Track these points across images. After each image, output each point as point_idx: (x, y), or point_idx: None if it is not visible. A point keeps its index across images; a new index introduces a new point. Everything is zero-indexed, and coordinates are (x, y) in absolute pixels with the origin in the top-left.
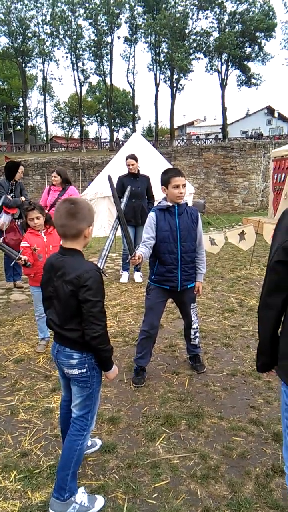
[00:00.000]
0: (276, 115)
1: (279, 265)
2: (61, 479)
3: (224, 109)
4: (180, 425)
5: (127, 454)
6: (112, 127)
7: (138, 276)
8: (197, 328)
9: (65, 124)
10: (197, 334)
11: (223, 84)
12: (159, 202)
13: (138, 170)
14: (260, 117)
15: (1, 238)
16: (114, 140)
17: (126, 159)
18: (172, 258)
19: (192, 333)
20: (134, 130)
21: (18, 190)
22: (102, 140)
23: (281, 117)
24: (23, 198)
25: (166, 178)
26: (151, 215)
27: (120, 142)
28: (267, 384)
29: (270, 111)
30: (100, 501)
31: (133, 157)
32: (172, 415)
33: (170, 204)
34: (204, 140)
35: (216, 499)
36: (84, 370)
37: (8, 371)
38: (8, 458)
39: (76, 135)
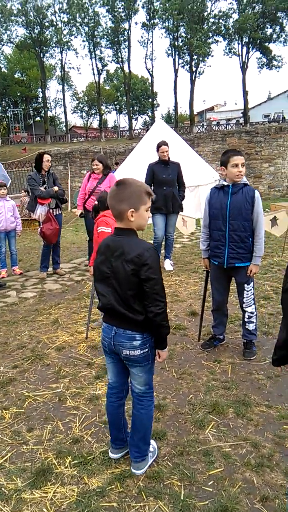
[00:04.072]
0: None
1: None
2: (144, 443)
3: (245, 93)
4: (228, 413)
5: (178, 442)
6: (131, 115)
7: (168, 264)
8: (252, 313)
9: (83, 114)
10: (253, 320)
11: (243, 67)
12: (219, 182)
13: (169, 157)
14: (282, 100)
15: (39, 229)
16: (133, 128)
17: (159, 146)
18: (219, 235)
19: (246, 316)
20: (153, 118)
21: (51, 180)
22: (120, 129)
23: None
24: (56, 188)
25: (226, 157)
26: (207, 195)
27: (139, 130)
28: None
29: None
30: (153, 442)
31: (166, 143)
32: (219, 403)
33: (225, 183)
34: (225, 125)
35: (274, 488)
36: (146, 349)
37: (51, 359)
38: (61, 444)
39: (95, 124)
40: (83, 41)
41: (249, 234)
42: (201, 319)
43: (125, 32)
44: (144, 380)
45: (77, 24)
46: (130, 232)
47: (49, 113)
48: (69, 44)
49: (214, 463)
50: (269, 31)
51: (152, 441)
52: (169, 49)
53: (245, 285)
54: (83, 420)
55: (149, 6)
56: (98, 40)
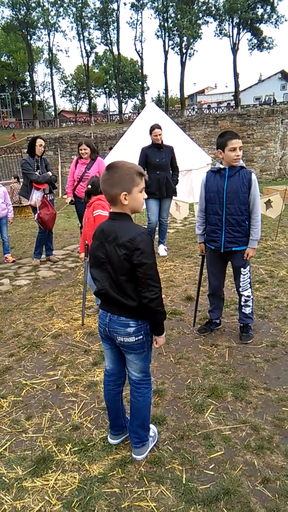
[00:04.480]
0: None
1: None
2: (143, 429)
3: (236, 75)
4: (226, 396)
5: (178, 426)
6: (121, 98)
7: (162, 250)
8: (248, 296)
9: (72, 98)
10: (249, 304)
11: (234, 49)
12: (215, 165)
13: (162, 141)
14: (273, 83)
15: (36, 215)
16: (123, 112)
17: (152, 129)
18: (216, 219)
19: (243, 300)
20: (143, 101)
21: (44, 165)
22: (110, 113)
23: None
24: (50, 173)
25: (223, 141)
26: (203, 178)
27: (130, 114)
28: None
29: (284, 75)
30: (153, 426)
31: (159, 127)
32: (218, 387)
33: (222, 166)
34: (216, 108)
35: (275, 469)
36: (141, 337)
37: (48, 346)
38: (60, 431)
39: (84, 108)
40: (71, 22)
41: (246, 217)
42: (196, 304)
43: (114, 13)
44: (140, 368)
45: (65, 5)
46: (124, 217)
47: (37, 97)
48: (57, 25)
49: (214, 446)
50: (260, 11)
51: (152, 426)
52: (158, 31)
53: (242, 268)
54: (82, 407)
55: None
56: (86, 21)
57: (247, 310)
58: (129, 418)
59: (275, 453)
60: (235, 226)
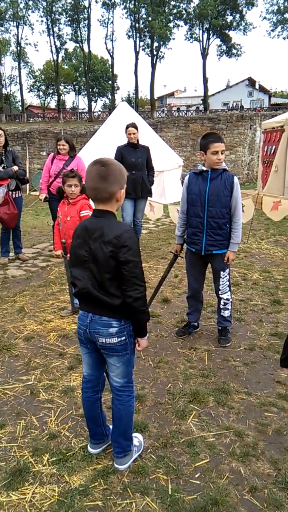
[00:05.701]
0: (257, 86)
1: None
2: (125, 439)
3: (205, 80)
4: (208, 401)
5: (160, 433)
6: (91, 96)
7: None
8: (227, 299)
9: (41, 93)
10: (228, 307)
11: (204, 54)
12: (198, 166)
13: (138, 140)
14: (241, 89)
15: None
16: (93, 110)
17: (127, 128)
18: (197, 222)
19: (222, 303)
20: (113, 100)
21: (10, 159)
22: (79, 110)
23: (262, 89)
24: (15, 168)
25: (206, 143)
26: (185, 179)
27: (99, 113)
28: None
29: (251, 82)
30: (139, 435)
31: (134, 125)
32: (199, 392)
33: (204, 169)
34: (185, 111)
35: (261, 477)
36: (124, 338)
37: (19, 349)
38: (36, 440)
39: (53, 104)
40: (41, 16)
41: (227, 220)
42: (156, 291)
43: (85, 10)
44: (122, 372)
45: None
46: (109, 214)
47: (4, 91)
48: (26, 18)
49: (199, 454)
50: (229, 18)
51: (137, 435)
52: (129, 31)
53: (221, 272)
54: (58, 414)
55: None
56: (57, 16)
57: (226, 313)
58: (110, 426)
59: (260, 460)
60: (216, 229)
